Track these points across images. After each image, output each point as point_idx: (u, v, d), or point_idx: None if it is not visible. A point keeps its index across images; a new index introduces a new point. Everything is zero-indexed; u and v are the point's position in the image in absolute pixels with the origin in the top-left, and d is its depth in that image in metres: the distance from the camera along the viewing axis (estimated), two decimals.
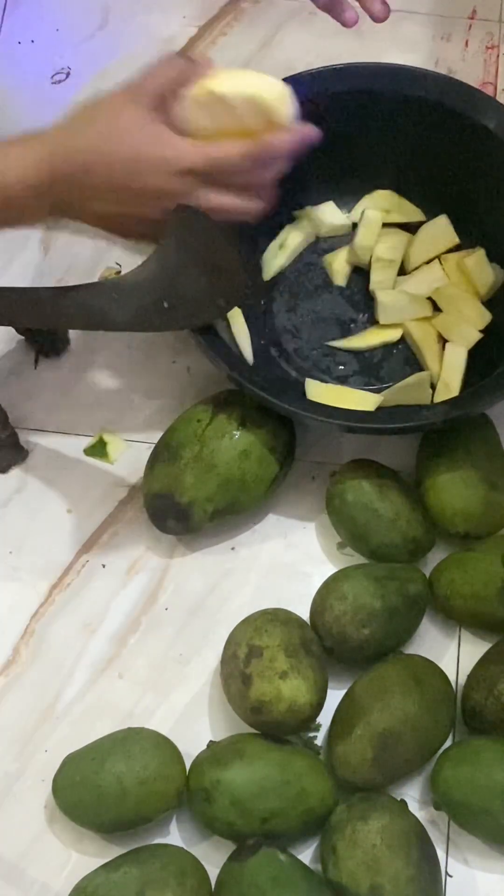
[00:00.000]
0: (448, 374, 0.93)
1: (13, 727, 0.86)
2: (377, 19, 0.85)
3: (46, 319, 0.84)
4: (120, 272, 1.03)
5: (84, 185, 0.72)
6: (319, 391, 0.94)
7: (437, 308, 0.99)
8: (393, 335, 0.97)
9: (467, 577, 0.85)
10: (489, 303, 0.98)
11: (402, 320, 0.97)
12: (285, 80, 0.94)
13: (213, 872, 0.78)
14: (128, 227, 0.77)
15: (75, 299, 0.75)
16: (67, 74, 1.13)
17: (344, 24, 0.84)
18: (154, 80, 0.74)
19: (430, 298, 0.98)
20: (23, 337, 0.99)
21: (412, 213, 1.02)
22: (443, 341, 0.96)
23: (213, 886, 0.77)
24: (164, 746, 0.80)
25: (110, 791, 0.78)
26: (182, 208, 0.73)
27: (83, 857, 0.81)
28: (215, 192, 0.74)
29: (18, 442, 0.94)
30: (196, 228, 0.74)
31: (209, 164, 0.72)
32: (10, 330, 0.98)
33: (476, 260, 0.98)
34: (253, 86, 0.74)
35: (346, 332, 0.99)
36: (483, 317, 0.97)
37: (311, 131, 0.75)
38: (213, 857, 0.79)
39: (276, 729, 0.80)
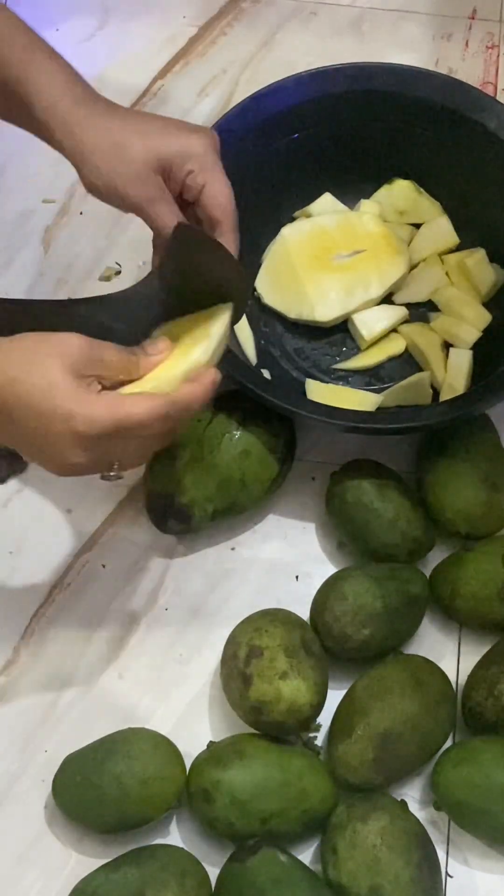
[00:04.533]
0: (453, 376, 0.93)
1: (13, 727, 0.86)
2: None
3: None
4: (120, 272, 1.03)
5: None
6: (320, 391, 0.94)
7: (435, 308, 0.99)
8: (397, 347, 0.97)
9: (467, 577, 0.85)
10: (489, 303, 0.98)
11: (386, 329, 0.97)
12: (286, 79, 0.96)
13: (213, 872, 0.78)
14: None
15: (77, 313, 0.75)
16: None
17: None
18: (93, 365, 0.67)
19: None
20: None
21: (429, 210, 1.01)
22: (447, 346, 0.96)
23: (213, 887, 0.77)
24: (164, 746, 0.80)
25: (110, 791, 0.78)
26: (181, 225, 0.73)
27: (83, 857, 0.81)
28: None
29: (18, 452, 0.94)
30: (196, 244, 0.74)
31: (113, 429, 0.66)
32: None
33: (476, 260, 0.98)
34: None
35: (346, 333, 0.99)
36: (483, 317, 0.97)
37: (215, 377, 0.70)
38: (213, 858, 0.79)
39: (276, 729, 0.80)
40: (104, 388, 0.68)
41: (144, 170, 0.74)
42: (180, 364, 0.71)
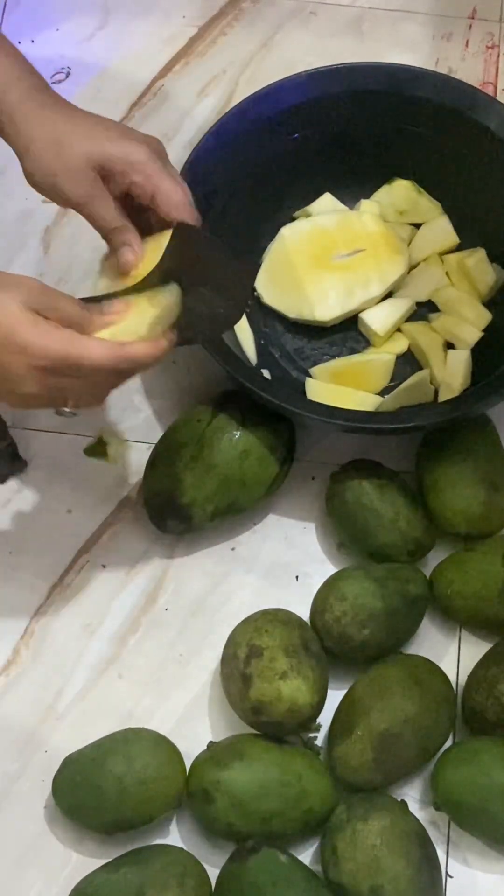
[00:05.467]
0: (451, 376, 0.93)
1: (13, 727, 0.86)
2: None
3: None
4: None
5: None
6: (320, 391, 0.94)
7: (435, 308, 0.99)
8: (401, 346, 0.97)
9: (467, 577, 0.85)
10: (489, 303, 0.98)
11: (398, 321, 0.97)
12: (285, 79, 0.96)
13: (213, 873, 0.78)
14: None
15: None
16: (67, 74, 1.13)
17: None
18: (47, 308, 0.68)
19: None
20: None
21: (429, 210, 1.01)
22: (448, 346, 0.96)
23: (213, 887, 0.77)
24: (164, 747, 0.80)
25: (110, 791, 0.78)
26: (182, 225, 0.73)
27: (83, 857, 0.81)
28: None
29: (17, 452, 0.94)
30: (196, 244, 0.74)
31: (65, 363, 0.67)
32: None
33: (477, 260, 0.98)
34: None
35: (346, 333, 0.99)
36: (483, 317, 0.97)
37: (168, 345, 0.72)
38: (213, 858, 0.79)
39: (276, 729, 0.80)
40: None
41: (83, 168, 0.74)
42: (145, 318, 0.72)
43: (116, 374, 0.70)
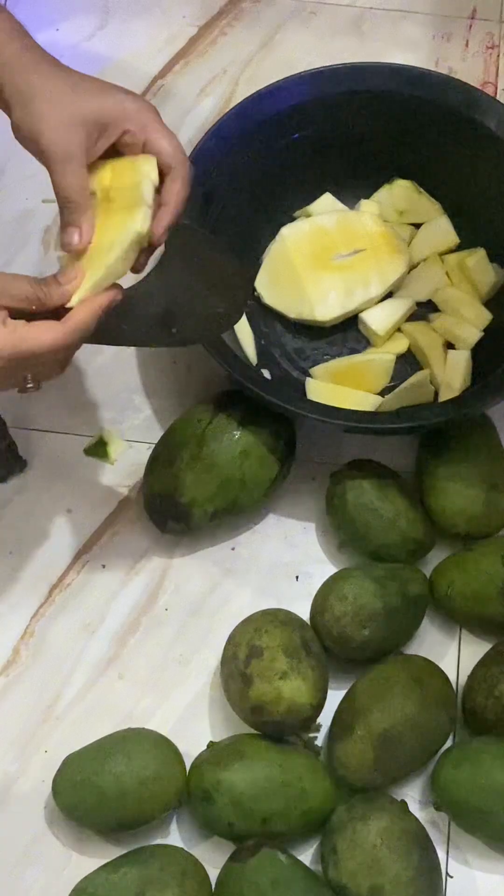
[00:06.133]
0: (450, 376, 0.93)
1: (13, 727, 0.86)
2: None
3: None
4: None
5: None
6: (320, 391, 0.94)
7: (436, 308, 0.99)
8: (401, 346, 0.97)
9: (467, 577, 0.85)
10: (489, 303, 0.98)
11: (398, 321, 0.97)
12: (285, 79, 0.96)
13: (213, 873, 0.78)
14: None
15: None
16: None
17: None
18: (2, 296, 0.68)
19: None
20: None
21: (429, 210, 1.01)
22: (448, 346, 0.96)
23: (213, 887, 0.77)
24: (164, 747, 0.80)
25: (110, 791, 0.78)
26: (181, 226, 0.73)
27: (83, 857, 0.81)
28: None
29: (17, 452, 0.94)
30: (196, 245, 0.74)
31: (18, 358, 0.67)
32: None
33: (477, 260, 0.98)
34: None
35: (347, 331, 0.99)
36: (483, 317, 0.97)
37: (108, 298, 0.71)
38: (213, 858, 0.79)
39: (277, 729, 0.80)
40: (15, 319, 0.68)
41: (74, 123, 0.73)
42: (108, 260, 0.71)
43: (70, 348, 0.70)
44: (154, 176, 0.74)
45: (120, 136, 0.75)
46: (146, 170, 0.74)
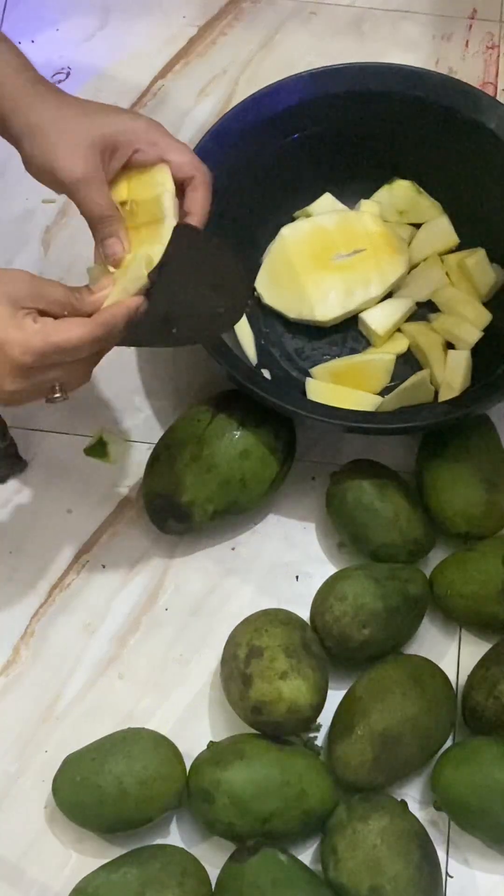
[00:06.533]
0: (450, 376, 0.93)
1: (13, 727, 0.86)
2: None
3: None
4: None
5: None
6: (320, 391, 0.94)
7: (435, 309, 0.99)
8: (401, 346, 0.97)
9: (467, 577, 0.85)
10: (489, 303, 0.98)
11: (398, 321, 0.97)
12: (285, 79, 0.96)
13: (213, 873, 0.78)
14: None
15: None
16: (67, 74, 1.13)
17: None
18: (34, 299, 0.69)
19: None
20: None
21: (429, 210, 1.01)
22: (448, 346, 0.96)
23: (213, 887, 0.77)
24: (164, 747, 0.80)
25: (110, 791, 0.78)
26: (182, 225, 0.74)
27: (83, 857, 0.81)
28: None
29: (17, 452, 0.94)
30: (197, 244, 0.74)
31: (49, 353, 0.68)
32: None
33: (477, 260, 0.98)
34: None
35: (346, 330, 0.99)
36: (483, 317, 0.97)
37: (137, 301, 0.72)
38: (213, 858, 0.79)
39: (277, 729, 0.80)
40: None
41: (85, 147, 0.74)
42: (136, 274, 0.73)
43: (98, 345, 0.71)
44: (170, 185, 0.76)
45: (131, 156, 0.76)
46: (161, 180, 0.76)
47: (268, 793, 0.77)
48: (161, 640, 0.89)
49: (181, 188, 0.77)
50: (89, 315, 0.71)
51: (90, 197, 0.75)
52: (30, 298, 0.68)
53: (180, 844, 0.81)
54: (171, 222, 0.74)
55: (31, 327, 0.67)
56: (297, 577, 0.91)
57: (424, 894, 0.75)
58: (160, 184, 0.76)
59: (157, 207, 0.75)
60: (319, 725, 0.83)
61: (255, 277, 0.99)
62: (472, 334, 0.96)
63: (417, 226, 1.02)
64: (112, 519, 0.93)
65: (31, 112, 0.75)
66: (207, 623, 0.89)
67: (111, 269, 0.75)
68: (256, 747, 0.79)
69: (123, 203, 0.77)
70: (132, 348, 0.99)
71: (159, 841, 0.81)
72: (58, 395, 0.72)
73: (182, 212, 0.77)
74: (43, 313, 0.69)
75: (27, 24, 1.16)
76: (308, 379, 0.96)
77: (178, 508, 0.88)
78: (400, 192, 1.01)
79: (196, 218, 0.77)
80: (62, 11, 1.17)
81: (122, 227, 0.76)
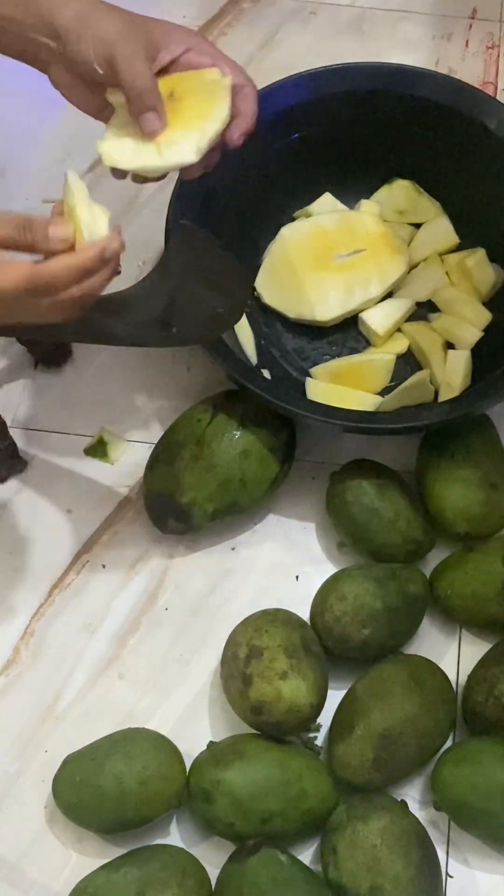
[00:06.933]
0: (450, 376, 0.93)
1: (13, 727, 0.86)
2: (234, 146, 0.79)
3: (46, 333, 0.84)
4: (119, 272, 1.03)
5: None
6: (320, 391, 0.94)
7: (435, 309, 0.99)
8: (400, 346, 0.97)
9: (467, 577, 0.85)
10: (489, 303, 0.98)
11: (398, 321, 0.97)
12: (285, 79, 0.96)
13: (213, 873, 0.78)
14: None
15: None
16: None
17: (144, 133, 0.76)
18: None
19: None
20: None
21: (429, 210, 1.01)
22: (448, 346, 0.96)
23: (213, 887, 0.77)
24: (164, 747, 0.80)
25: (110, 791, 0.78)
26: (181, 225, 0.73)
27: (83, 857, 0.81)
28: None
29: (17, 452, 0.94)
30: (196, 244, 0.74)
31: (33, 281, 0.66)
32: None
33: (477, 260, 0.98)
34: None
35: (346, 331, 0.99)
36: (483, 317, 0.97)
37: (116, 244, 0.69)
38: (213, 858, 0.79)
39: (277, 729, 0.80)
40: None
41: (138, 32, 0.74)
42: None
43: (92, 272, 0.68)
44: (227, 80, 0.75)
45: (181, 54, 0.76)
46: (215, 76, 0.75)
47: (268, 793, 0.77)
48: (161, 640, 0.89)
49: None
50: (47, 254, 0.68)
51: (134, 65, 0.74)
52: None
53: (180, 844, 0.81)
54: (228, 101, 0.73)
55: (5, 265, 0.65)
56: (297, 577, 0.91)
57: (424, 894, 0.74)
58: (215, 77, 0.75)
59: (214, 87, 0.74)
60: (319, 725, 0.83)
61: (255, 277, 0.99)
62: (472, 334, 0.96)
63: (417, 226, 1.02)
64: (112, 519, 0.93)
65: (78, 5, 0.74)
66: (207, 623, 0.89)
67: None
68: (256, 747, 0.79)
69: (170, 91, 0.75)
70: (132, 348, 0.99)
71: (159, 841, 0.81)
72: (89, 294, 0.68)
73: (234, 110, 0.75)
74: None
75: None
76: (308, 379, 0.96)
77: (178, 508, 0.88)
78: (400, 192, 1.02)
79: (245, 118, 0.77)
80: None
81: (161, 102, 0.75)
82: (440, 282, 0.99)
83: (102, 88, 0.76)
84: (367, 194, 1.02)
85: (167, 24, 0.77)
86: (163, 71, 0.76)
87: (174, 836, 0.82)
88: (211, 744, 0.81)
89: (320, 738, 0.84)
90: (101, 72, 0.74)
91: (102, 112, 0.78)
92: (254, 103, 0.77)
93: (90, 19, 0.74)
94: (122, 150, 0.74)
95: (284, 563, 0.92)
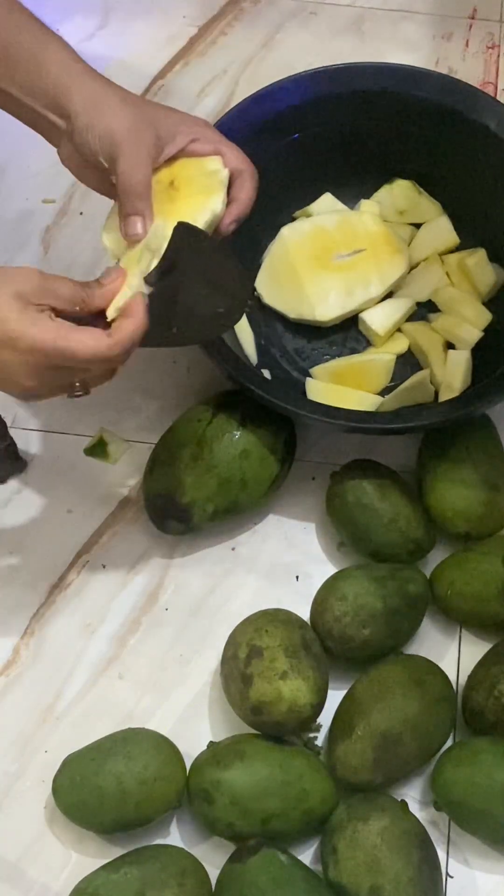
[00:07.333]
0: (450, 376, 0.93)
1: (13, 727, 0.86)
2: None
3: None
4: None
5: None
6: (319, 391, 0.94)
7: (435, 309, 0.99)
8: (400, 346, 0.97)
9: (467, 577, 0.85)
10: (489, 303, 0.98)
11: (398, 321, 0.97)
12: (286, 79, 0.96)
13: (213, 873, 0.78)
14: None
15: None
16: None
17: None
18: (44, 294, 0.69)
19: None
20: None
21: (429, 210, 1.01)
22: (448, 346, 0.96)
23: (213, 887, 0.77)
24: (164, 747, 0.80)
25: (110, 792, 0.78)
26: (182, 225, 0.74)
27: (83, 857, 0.81)
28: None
29: (17, 453, 0.94)
30: (196, 244, 0.74)
31: (55, 357, 0.68)
32: None
33: (477, 260, 0.98)
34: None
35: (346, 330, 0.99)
36: (483, 317, 0.97)
37: (140, 320, 0.71)
38: (213, 858, 0.79)
39: (277, 729, 0.80)
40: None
41: (146, 123, 0.75)
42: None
43: (111, 363, 0.70)
44: (226, 170, 0.77)
45: (187, 145, 0.77)
46: (216, 165, 0.77)
47: (268, 793, 0.77)
48: (161, 640, 0.89)
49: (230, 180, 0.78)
50: (102, 309, 0.71)
51: (132, 165, 0.74)
52: (38, 294, 0.68)
53: (180, 844, 0.81)
54: (223, 194, 0.76)
55: (45, 324, 0.67)
56: (297, 577, 0.91)
57: (424, 894, 0.74)
58: (215, 166, 0.77)
59: (211, 180, 0.76)
60: (319, 725, 0.83)
61: (255, 277, 0.99)
62: (472, 334, 0.96)
63: (417, 226, 1.02)
64: (112, 519, 0.93)
65: (92, 87, 0.75)
66: (207, 623, 0.89)
67: (119, 261, 0.75)
68: (256, 747, 0.79)
69: (169, 180, 0.77)
70: None
71: (159, 841, 0.81)
72: (79, 392, 0.71)
73: (229, 196, 0.78)
74: (57, 312, 0.69)
75: None
76: (308, 379, 0.96)
77: (178, 508, 0.88)
78: (400, 192, 1.02)
79: (241, 205, 0.78)
80: (62, 11, 1.17)
81: (150, 209, 0.75)
82: (440, 282, 0.99)
83: (109, 172, 0.76)
84: (367, 194, 1.02)
85: (175, 114, 0.78)
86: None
87: (174, 836, 0.82)
88: (211, 744, 0.81)
89: (320, 738, 0.84)
90: (105, 165, 0.75)
91: (110, 192, 0.78)
92: (251, 189, 0.79)
93: (101, 107, 0.74)
94: (119, 241, 0.76)
95: (284, 563, 0.92)
